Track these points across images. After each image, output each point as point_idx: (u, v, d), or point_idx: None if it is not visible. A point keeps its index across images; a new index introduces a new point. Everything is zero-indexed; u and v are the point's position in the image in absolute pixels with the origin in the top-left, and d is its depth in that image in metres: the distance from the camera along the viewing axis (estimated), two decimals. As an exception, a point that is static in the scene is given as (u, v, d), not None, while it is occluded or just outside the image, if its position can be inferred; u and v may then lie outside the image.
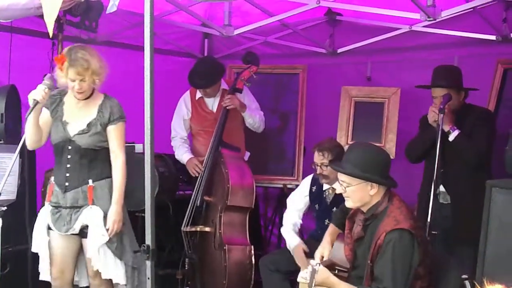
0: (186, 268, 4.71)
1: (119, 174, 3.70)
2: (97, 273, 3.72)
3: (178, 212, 4.81)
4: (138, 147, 4.88)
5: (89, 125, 3.71)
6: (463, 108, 4.17)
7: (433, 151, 3.86)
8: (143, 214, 3.05)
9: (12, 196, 3.93)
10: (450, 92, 4.04)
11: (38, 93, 3.50)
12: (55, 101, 3.78)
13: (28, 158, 4.22)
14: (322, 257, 3.45)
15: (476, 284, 1.97)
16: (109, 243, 3.66)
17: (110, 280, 3.76)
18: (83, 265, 3.87)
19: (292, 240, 4.28)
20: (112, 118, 3.72)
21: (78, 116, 3.74)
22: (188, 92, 5.26)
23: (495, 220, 2.93)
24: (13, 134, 4.19)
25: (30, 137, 3.62)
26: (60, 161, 3.75)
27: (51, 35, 3.51)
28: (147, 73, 2.89)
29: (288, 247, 4.29)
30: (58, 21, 4.52)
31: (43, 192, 4.42)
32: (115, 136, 3.73)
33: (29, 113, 3.50)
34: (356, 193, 3.14)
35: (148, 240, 2.97)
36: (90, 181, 3.70)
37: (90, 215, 3.67)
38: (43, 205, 4.38)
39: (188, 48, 6.26)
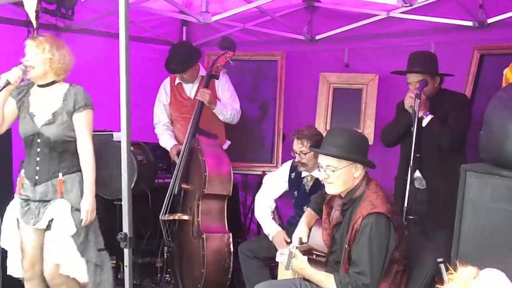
0: (166, 256, 4.71)
1: (88, 164, 3.62)
2: (57, 270, 3.62)
3: (157, 200, 4.79)
4: (117, 136, 4.85)
5: (54, 114, 3.62)
6: (439, 94, 4.19)
7: (409, 136, 3.88)
8: (121, 203, 3.03)
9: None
10: (425, 77, 4.06)
11: (13, 74, 3.48)
12: (22, 91, 3.72)
13: (3, 148, 4.17)
14: (301, 239, 3.45)
15: (449, 267, 2.00)
16: (75, 236, 3.59)
17: (73, 279, 3.67)
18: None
19: (271, 228, 4.28)
20: (76, 106, 3.62)
21: (44, 107, 3.66)
22: (168, 78, 5.25)
23: (469, 204, 2.94)
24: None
25: None
26: (30, 154, 3.69)
27: (34, 24, 3.48)
28: (122, 60, 2.87)
29: (266, 234, 4.30)
30: (33, 8, 4.48)
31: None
32: (81, 124, 3.64)
33: None
34: (342, 176, 3.12)
35: (126, 228, 2.96)
36: (60, 174, 3.64)
37: (57, 208, 3.60)
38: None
39: (167, 35, 6.22)
